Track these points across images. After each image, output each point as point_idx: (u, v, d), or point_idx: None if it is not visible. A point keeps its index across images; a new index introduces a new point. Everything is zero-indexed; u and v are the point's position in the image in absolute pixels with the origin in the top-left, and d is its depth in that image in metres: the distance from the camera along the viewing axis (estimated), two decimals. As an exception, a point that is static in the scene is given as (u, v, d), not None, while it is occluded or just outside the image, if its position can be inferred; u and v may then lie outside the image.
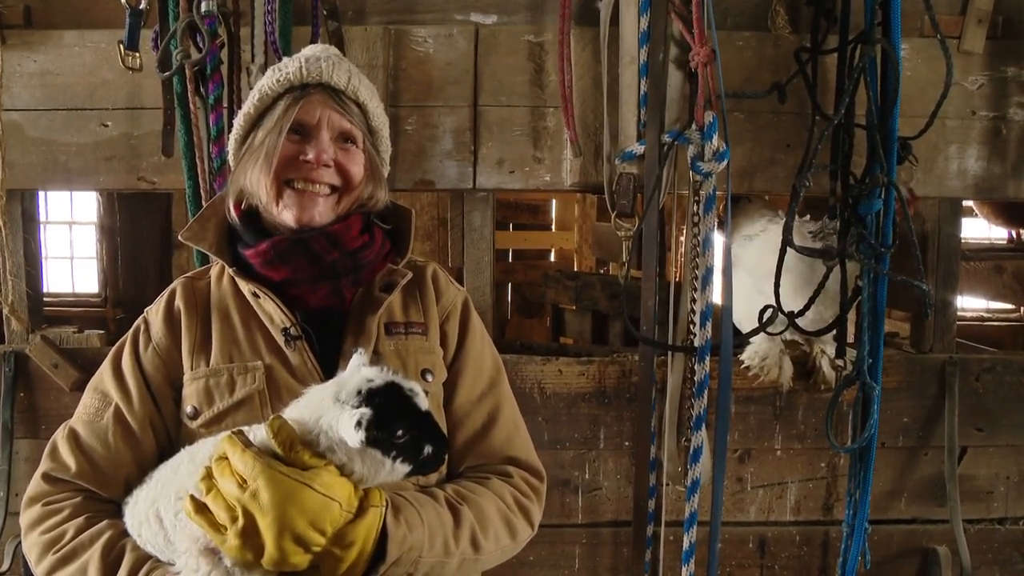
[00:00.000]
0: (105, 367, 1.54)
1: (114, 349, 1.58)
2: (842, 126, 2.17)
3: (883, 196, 2.09)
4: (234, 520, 1.14)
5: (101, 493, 1.44)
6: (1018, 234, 4.67)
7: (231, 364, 1.48)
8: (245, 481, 1.15)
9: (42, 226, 2.51)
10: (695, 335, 2.18)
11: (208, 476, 1.20)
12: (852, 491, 2.29)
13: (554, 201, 6.33)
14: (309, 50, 1.58)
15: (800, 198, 2.10)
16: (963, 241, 2.51)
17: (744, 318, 2.38)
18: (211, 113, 2.08)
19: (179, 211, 4.05)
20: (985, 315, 4.94)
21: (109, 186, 2.36)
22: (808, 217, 2.48)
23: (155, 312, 1.57)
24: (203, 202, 2.10)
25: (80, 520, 1.39)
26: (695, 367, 2.19)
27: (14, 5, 2.30)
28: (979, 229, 5.10)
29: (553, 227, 6.50)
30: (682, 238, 2.38)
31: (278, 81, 1.51)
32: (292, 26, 2.19)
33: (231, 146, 1.62)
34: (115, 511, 1.43)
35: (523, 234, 6.29)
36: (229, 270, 1.54)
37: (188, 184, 2.14)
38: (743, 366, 2.40)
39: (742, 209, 2.67)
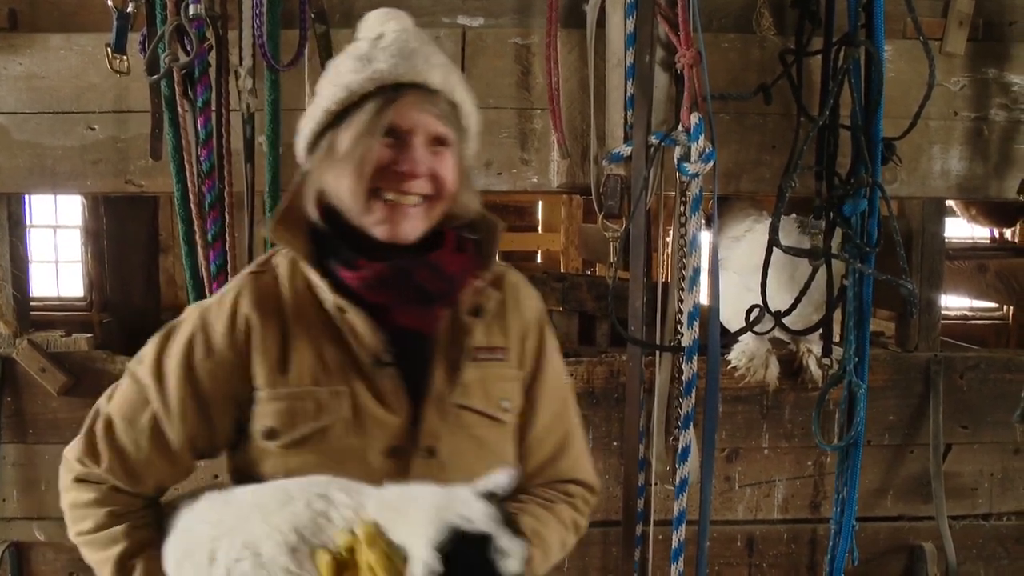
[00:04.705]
0: (149, 360, 1.39)
1: (159, 340, 1.41)
2: (827, 127, 2.19)
3: (868, 196, 2.12)
4: None
5: (128, 489, 1.38)
6: (1001, 233, 4.72)
7: (316, 387, 1.37)
8: None
9: (27, 230, 2.50)
10: (682, 335, 2.20)
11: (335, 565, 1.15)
12: (839, 489, 2.31)
13: (540, 203, 6.33)
14: (391, 32, 1.40)
15: (786, 199, 2.12)
16: (946, 240, 2.53)
17: (733, 317, 2.39)
18: (199, 116, 2.07)
19: (165, 215, 4.03)
20: (968, 314, 4.98)
21: (96, 190, 2.36)
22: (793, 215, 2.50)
23: (217, 316, 1.40)
24: (192, 205, 2.10)
25: (102, 514, 1.35)
26: (683, 367, 2.21)
27: (-1, 8, 2.30)
28: (962, 228, 5.13)
29: (540, 229, 6.51)
30: (668, 239, 2.39)
31: (369, 79, 1.33)
32: (280, 29, 2.18)
33: (301, 140, 1.43)
34: (140, 504, 1.39)
35: (510, 236, 6.26)
36: (320, 282, 1.38)
37: (176, 187, 2.13)
38: (730, 366, 2.41)
39: (728, 209, 2.69)
